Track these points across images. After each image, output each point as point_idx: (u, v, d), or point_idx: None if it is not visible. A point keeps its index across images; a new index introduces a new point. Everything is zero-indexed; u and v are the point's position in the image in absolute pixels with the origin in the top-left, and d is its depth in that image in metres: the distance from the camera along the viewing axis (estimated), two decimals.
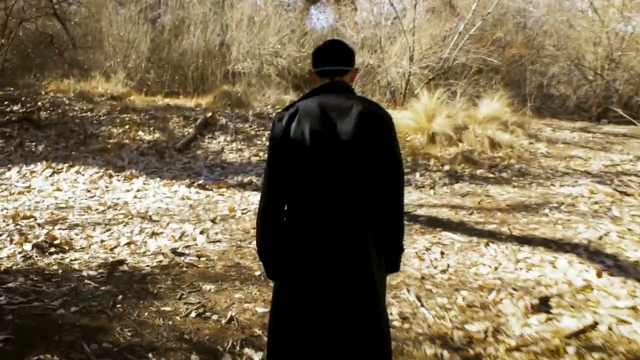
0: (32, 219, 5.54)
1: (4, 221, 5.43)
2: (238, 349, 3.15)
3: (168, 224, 5.62)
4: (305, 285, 2.15)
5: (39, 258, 4.44)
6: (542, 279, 4.43)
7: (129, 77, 12.84)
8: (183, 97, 12.09)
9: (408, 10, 14.09)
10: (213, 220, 5.77)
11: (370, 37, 14.74)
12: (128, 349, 3.08)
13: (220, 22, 15.05)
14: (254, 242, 4.87)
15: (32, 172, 7.72)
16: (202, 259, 4.61)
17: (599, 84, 14.06)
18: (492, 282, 4.36)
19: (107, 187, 7.24)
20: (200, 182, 7.49)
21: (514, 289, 4.20)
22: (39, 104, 10.20)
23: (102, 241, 4.98)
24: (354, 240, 2.14)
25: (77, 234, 5.13)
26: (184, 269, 4.35)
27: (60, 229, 5.27)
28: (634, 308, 3.82)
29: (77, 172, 7.76)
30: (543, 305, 3.93)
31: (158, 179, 7.60)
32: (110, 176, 7.63)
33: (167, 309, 3.60)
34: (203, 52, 14.48)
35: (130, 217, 5.84)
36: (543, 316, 3.72)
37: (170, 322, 3.42)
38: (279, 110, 2.25)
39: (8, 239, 4.85)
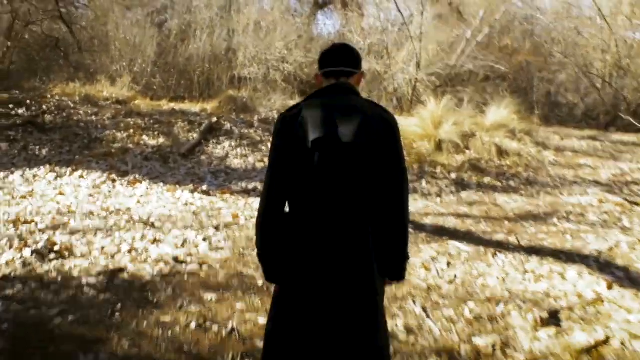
0: (33, 224, 5.46)
1: (4, 226, 5.35)
2: None
3: (170, 230, 5.53)
4: (303, 290, 2.10)
5: (38, 264, 4.36)
6: (551, 291, 4.33)
7: (134, 81, 12.82)
8: (189, 102, 12.04)
9: (415, 17, 14.03)
10: (216, 227, 5.68)
11: (377, 43, 14.69)
12: None
13: (227, 27, 15.02)
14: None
15: (35, 176, 7.65)
16: (204, 267, 4.53)
17: (607, 92, 13.95)
18: (500, 294, 4.26)
19: (110, 192, 7.16)
20: (204, 188, 7.40)
21: (523, 301, 4.10)
22: (44, 107, 10.17)
23: (103, 247, 4.90)
24: (355, 247, 2.09)
25: (78, 240, 5.05)
26: (185, 277, 4.27)
27: (61, 234, 5.19)
28: None
29: (81, 176, 7.69)
30: (553, 318, 3.83)
31: (162, 185, 7.52)
32: (114, 181, 7.57)
33: (167, 319, 3.52)
34: (209, 57, 14.46)
35: (132, 223, 5.76)
36: (553, 330, 3.62)
37: (170, 333, 3.34)
38: (282, 112, 2.20)
39: (8, 244, 4.77)
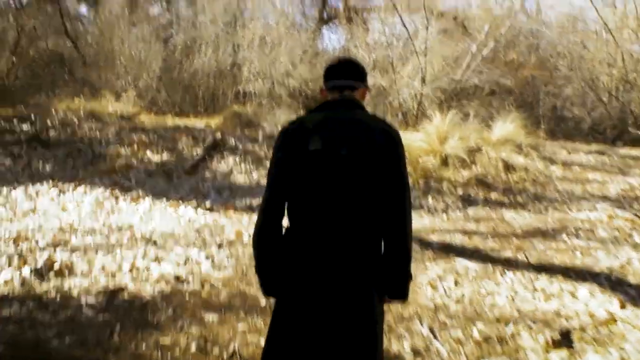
0: (33, 242, 5.40)
1: (4, 243, 5.29)
2: None
3: (173, 248, 5.45)
4: (299, 307, 2.05)
5: (37, 283, 4.29)
6: (562, 310, 4.21)
7: (139, 96, 12.83)
8: (193, 117, 12.02)
9: (420, 31, 14.00)
10: (219, 245, 5.60)
11: (382, 58, 14.66)
12: None
13: (232, 42, 15.05)
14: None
15: (38, 192, 7.61)
16: (206, 286, 4.43)
17: (613, 106, 13.84)
18: (509, 313, 4.15)
19: (112, 208, 7.10)
20: (208, 204, 7.33)
21: (533, 321, 3.98)
22: (49, 123, 10.16)
23: (103, 266, 4.82)
24: (353, 264, 2.04)
25: (78, 258, 4.97)
26: (187, 297, 4.17)
27: (61, 252, 5.12)
28: None
29: (84, 192, 7.64)
30: (564, 339, 3.71)
31: (165, 201, 7.46)
32: (117, 197, 7.51)
33: (167, 341, 3.42)
34: (214, 72, 14.48)
35: (134, 240, 5.69)
36: (565, 352, 3.50)
37: (169, 356, 3.24)
38: (284, 125, 2.18)
39: (7, 262, 4.70)
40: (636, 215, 7.13)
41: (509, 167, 8.87)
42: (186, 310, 3.90)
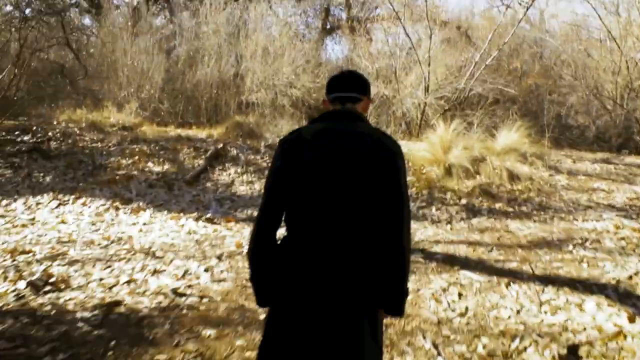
0: (30, 254, 5.32)
1: (1, 256, 5.22)
2: None
3: (172, 260, 5.37)
4: (292, 320, 2.04)
5: (32, 297, 4.20)
6: (569, 324, 4.10)
7: (142, 107, 12.79)
8: (196, 128, 11.96)
9: (423, 41, 13.95)
10: (219, 257, 5.51)
11: (385, 67, 14.61)
12: None
13: (235, 53, 15.02)
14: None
15: (38, 203, 7.54)
16: (204, 300, 4.34)
17: (618, 114, 13.73)
18: (515, 327, 4.04)
19: (112, 220, 7.03)
20: (209, 215, 7.25)
21: (539, 335, 3.88)
22: (50, 134, 10.11)
23: (101, 279, 4.74)
24: (347, 276, 2.01)
25: (75, 271, 4.89)
26: (184, 311, 4.08)
27: (59, 265, 5.04)
28: None
29: (84, 204, 7.57)
30: (572, 354, 3.61)
31: (165, 212, 7.38)
32: (117, 209, 7.43)
33: (162, 357, 3.33)
34: (217, 83, 14.42)
35: (133, 252, 5.60)
36: None
37: None
38: (283, 136, 2.18)
39: (2, 275, 4.62)
40: None
41: (513, 177, 8.77)
42: (183, 325, 3.81)
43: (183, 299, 4.33)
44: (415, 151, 9.36)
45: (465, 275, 5.19)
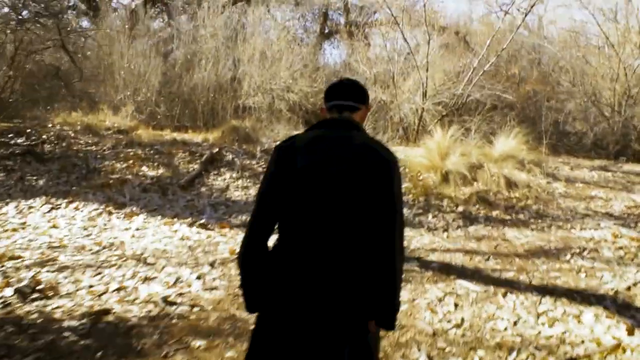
0: (20, 260, 5.23)
1: None
2: None
3: (163, 267, 5.28)
4: (282, 324, 2.04)
5: (18, 305, 4.12)
6: (567, 337, 4.03)
7: (138, 110, 12.71)
8: (192, 132, 11.87)
9: (421, 46, 13.90)
10: (211, 265, 5.42)
11: (383, 72, 14.55)
12: None
13: (233, 56, 14.95)
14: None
15: (30, 207, 7.45)
16: (195, 309, 4.26)
17: (616, 121, 13.69)
18: (512, 340, 3.97)
19: (105, 224, 6.94)
20: (203, 221, 7.16)
21: (537, 348, 3.81)
22: (44, 136, 10.02)
23: (90, 286, 4.65)
24: (337, 286, 2.00)
25: (65, 278, 4.80)
26: (174, 320, 4.00)
27: (48, 271, 4.95)
28: None
29: (76, 208, 7.48)
30: None
31: (159, 217, 7.29)
32: (110, 213, 7.34)
33: None
34: (214, 86, 14.35)
35: (124, 259, 5.52)
36: None
37: None
38: (278, 143, 2.19)
39: None
40: None
41: (511, 184, 8.70)
42: (173, 336, 3.72)
43: (173, 307, 4.24)
44: (412, 157, 9.29)
45: (462, 284, 5.11)
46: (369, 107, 2.32)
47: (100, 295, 4.45)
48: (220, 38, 15.11)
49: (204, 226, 6.98)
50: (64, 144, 9.81)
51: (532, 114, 15.18)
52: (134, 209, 7.56)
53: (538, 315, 4.40)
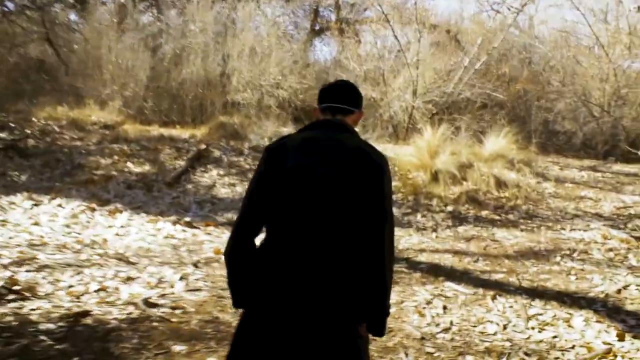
0: None
1: None
2: None
3: (146, 267, 5.15)
4: (268, 322, 1.98)
5: None
6: (557, 342, 3.96)
7: (126, 105, 12.53)
8: (180, 127, 11.73)
9: (412, 44, 13.80)
10: (195, 264, 5.30)
11: (373, 70, 14.44)
12: None
13: (222, 52, 14.78)
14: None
15: (11, 203, 7.27)
16: (177, 311, 4.13)
17: (605, 121, 13.69)
18: (501, 344, 3.88)
19: (88, 222, 6.79)
20: (188, 219, 7.03)
21: (526, 354, 3.73)
22: (28, 131, 9.85)
23: (70, 286, 4.52)
24: (324, 289, 1.96)
25: (43, 278, 4.66)
26: (155, 323, 3.87)
27: (27, 270, 4.80)
28: None
29: (59, 205, 7.31)
30: None
31: (143, 215, 7.16)
32: (93, 210, 7.19)
33: None
34: (203, 82, 14.19)
35: (106, 258, 5.38)
36: None
37: None
38: (269, 143, 2.18)
39: None
40: (631, 235, 6.91)
41: (500, 184, 8.64)
42: (153, 340, 3.60)
43: (155, 310, 4.12)
44: (402, 156, 9.21)
45: (451, 286, 5.03)
46: (363, 112, 2.29)
47: (79, 297, 4.31)
48: (209, 33, 14.94)
49: (189, 224, 6.86)
50: (48, 139, 9.65)
51: (522, 113, 15.16)
52: (118, 205, 7.41)
53: (528, 319, 4.33)
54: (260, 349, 1.98)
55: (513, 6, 13.52)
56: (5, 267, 4.82)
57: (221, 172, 8.81)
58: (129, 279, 4.79)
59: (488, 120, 12.89)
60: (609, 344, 3.90)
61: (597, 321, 4.31)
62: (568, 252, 6.23)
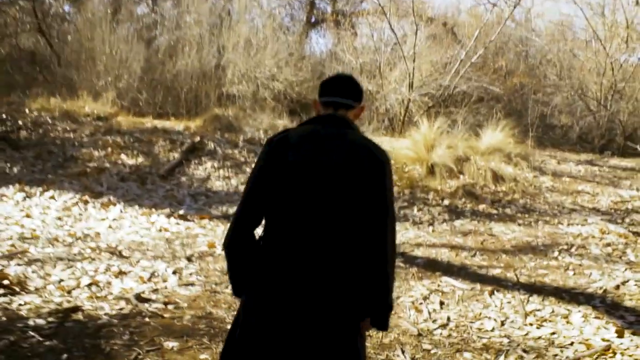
0: None
1: None
2: None
3: (139, 261, 5.07)
4: (268, 314, 1.98)
5: None
6: (556, 338, 3.89)
7: (119, 97, 12.40)
8: (174, 119, 11.63)
9: (409, 37, 13.70)
10: (189, 258, 5.22)
11: (369, 62, 14.36)
12: None
13: (217, 44, 14.66)
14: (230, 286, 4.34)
15: (2, 196, 7.16)
16: (170, 306, 4.06)
17: (602, 115, 13.65)
18: (499, 341, 3.82)
19: (80, 214, 6.69)
20: (182, 212, 6.94)
21: (525, 351, 3.66)
22: (20, 122, 9.72)
23: (60, 281, 4.43)
24: (324, 283, 1.97)
25: (34, 272, 4.57)
26: (147, 319, 3.79)
27: (17, 264, 4.72)
28: None
29: (51, 197, 7.21)
30: None
31: (137, 207, 7.06)
32: (86, 203, 7.09)
33: None
34: (198, 74, 14.08)
35: (98, 251, 5.29)
36: None
37: None
38: (271, 136, 2.15)
39: None
40: (629, 230, 6.87)
41: (497, 178, 8.58)
42: (144, 336, 3.52)
43: (146, 305, 4.04)
44: (398, 149, 9.13)
45: (448, 282, 4.97)
46: (364, 106, 2.28)
47: (70, 291, 4.23)
48: (204, 25, 14.83)
49: (183, 217, 6.77)
50: (40, 131, 9.52)
51: (518, 107, 15.11)
52: (111, 198, 7.32)
53: (526, 315, 4.27)
54: (258, 343, 1.98)
55: None
56: None
57: (216, 165, 8.71)
58: (121, 273, 4.71)
59: (484, 114, 12.82)
60: (608, 340, 3.83)
61: (595, 317, 4.25)
62: (566, 247, 6.17)
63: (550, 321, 4.19)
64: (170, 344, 3.42)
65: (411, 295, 4.60)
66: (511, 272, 5.30)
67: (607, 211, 7.84)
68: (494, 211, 7.60)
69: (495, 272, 5.31)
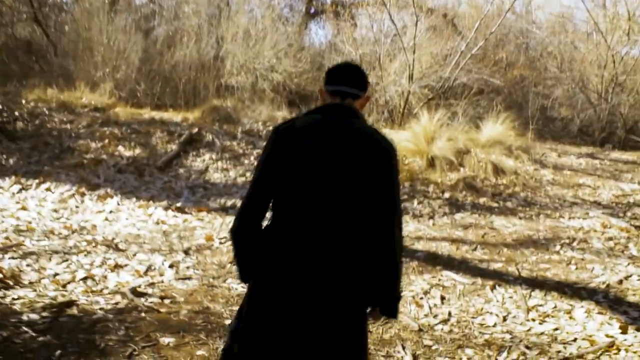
0: None
1: None
2: None
3: (135, 254, 5.00)
4: (276, 302, 1.99)
5: None
6: (559, 334, 3.83)
7: (117, 88, 12.29)
8: (172, 111, 11.53)
9: (409, 28, 13.57)
10: (186, 252, 5.15)
11: (369, 53, 14.23)
12: None
13: (216, 35, 14.54)
14: (228, 280, 4.26)
15: None
16: (166, 300, 3.99)
17: (602, 108, 13.57)
18: (501, 337, 3.76)
19: (77, 207, 6.61)
20: (179, 204, 6.86)
21: (527, 347, 3.60)
22: (17, 113, 9.61)
23: (55, 274, 4.36)
24: (332, 273, 1.98)
25: (28, 265, 4.50)
26: (142, 314, 3.72)
27: (11, 258, 4.64)
28: None
29: (48, 189, 7.13)
30: None
31: (134, 200, 6.98)
32: (83, 195, 7.01)
33: None
34: (196, 65, 13.97)
35: (94, 244, 5.22)
36: None
37: None
38: (277, 124, 2.15)
39: None
40: (631, 224, 6.80)
41: (498, 171, 8.50)
42: (140, 331, 3.45)
43: (142, 299, 3.96)
44: (398, 141, 9.01)
45: (448, 276, 4.91)
46: (369, 96, 2.27)
47: (65, 285, 4.16)
48: (203, 15, 14.70)
49: (180, 210, 6.69)
50: (37, 122, 9.42)
51: (518, 99, 15.03)
52: (108, 190, 7.23)
53: (528, 310, 4.20)
54: (263, 332, 1.99)
55: None
56: None
57: (214, 157, 8.62)
58: (117, 266, 4.64)
59: (485, 106, 12.73)
60: (612, 336, 3.78)
61: (599, 313, 4.19)
62: (567, 241, 6.11)
63: (552, 317, 4.13)
64: (167, 339, 3.35)
65: (412, 289, 4.53)
66: (513, 266, 5.24)
67: (609, 205, 7.78)
68: (495, 204, 7.53)
69: (497, 266, 5.24)
